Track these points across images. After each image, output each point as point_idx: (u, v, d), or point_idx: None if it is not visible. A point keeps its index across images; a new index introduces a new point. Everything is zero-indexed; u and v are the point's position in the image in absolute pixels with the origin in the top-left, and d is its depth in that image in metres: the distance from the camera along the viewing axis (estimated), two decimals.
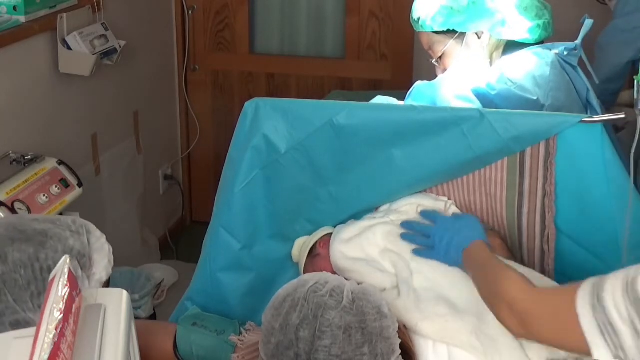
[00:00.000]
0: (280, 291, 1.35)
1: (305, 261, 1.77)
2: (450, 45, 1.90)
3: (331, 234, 1.74)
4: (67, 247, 1.24)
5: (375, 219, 1.72)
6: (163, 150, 3.70)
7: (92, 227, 1.34)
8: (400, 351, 1.31)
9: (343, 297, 1.30)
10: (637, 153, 1.45)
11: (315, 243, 1.77)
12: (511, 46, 1.89)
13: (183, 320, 1.63)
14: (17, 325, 1.18)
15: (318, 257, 1.75)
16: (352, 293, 1.31)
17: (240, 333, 1.58)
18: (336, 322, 1.26)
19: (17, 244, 1.22)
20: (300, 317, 1.28)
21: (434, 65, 2.00)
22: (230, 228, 1.75)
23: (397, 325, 1.32)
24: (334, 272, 1.59)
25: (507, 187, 1.66)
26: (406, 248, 1.61)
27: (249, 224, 1.75)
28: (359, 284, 1.37)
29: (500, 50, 1.90)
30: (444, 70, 1.95)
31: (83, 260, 1.26)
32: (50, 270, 1.21)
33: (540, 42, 1.89)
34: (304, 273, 1.77)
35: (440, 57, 1.94)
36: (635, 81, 1.52)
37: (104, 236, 1.33)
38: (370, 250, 1.64)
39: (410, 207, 1.74)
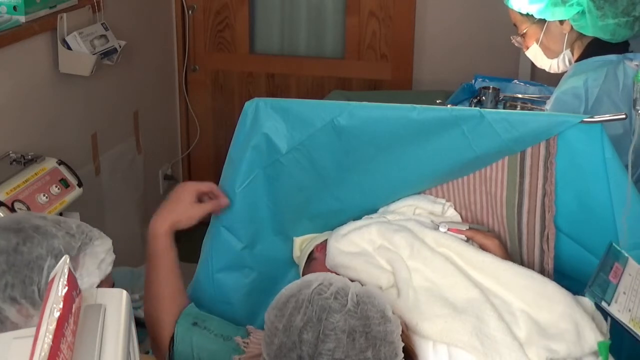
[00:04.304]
0: (283, 291, 1.35)
1: (304, 265, 1.77)
2: (531, 28, 1.93)
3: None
4: (50, 246, 1.25)
5: (372, 219, 1.72)
6: (163, 150, 3.70)
7: (96, 234, 1.33)
8: (403, 355, 1.30)
9: (347, 300, 1.29)
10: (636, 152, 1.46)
11: (314, 247, 1.77)
12: (595, 44, 1.89)
13: (183, 317, 1.62)
14: None
15: (314, 261, 1.75)
16: (356, 296, 1.30)
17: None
18: (340, 326, 1.26)
19: (6, 233, 1.24)
20: (304, 320, 1.27)
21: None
22: (232, 228, 1.75)
23: (400, 329, 1.31)
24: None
25: (507, 187, 1.66)
26: (403, 246, 1.61)
27: (251, 223, 1.75)
28: (362, 285, 1.37)
29: (584, 43, 1.91)
30: (526, 48, 2.00)
31: None
32: (29, 264, 1.22)
33: (624, 42, 1.89)
34: (302, 275, 1.77)
35: (523, 36, 1.98)
36: (635, 82, 1.51)
37: (107, 245, 1.33)
38: (365, 245, 1.64)
39: (407, 208, 1.75)
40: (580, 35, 1.90)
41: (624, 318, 1.37)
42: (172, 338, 1.58)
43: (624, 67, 1.83)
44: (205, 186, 1.68)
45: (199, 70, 3.76)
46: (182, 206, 1.63)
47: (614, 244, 1.48)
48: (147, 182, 3.47)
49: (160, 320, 1.62)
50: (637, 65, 1.83)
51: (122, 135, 3.25)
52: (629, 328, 1.38)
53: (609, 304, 1.37)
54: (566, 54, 1.94)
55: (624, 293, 1.40)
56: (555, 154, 1.57)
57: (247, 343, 1.53)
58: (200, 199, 1.67)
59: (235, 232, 1.75)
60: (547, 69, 2.02)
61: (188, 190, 1.65)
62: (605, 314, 1.47)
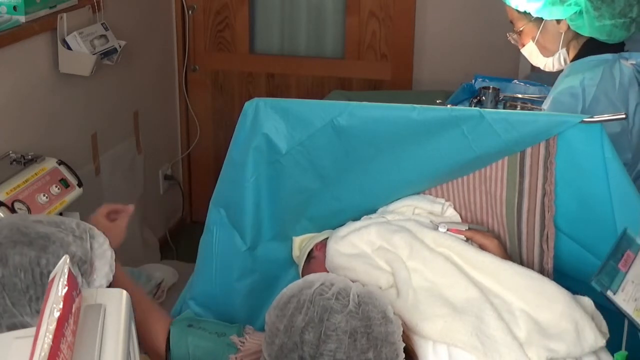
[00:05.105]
0: (284, 291, 1.34)
1: (303, 264, 1.77)
2: (528, 26, 1.94)
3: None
4: (69, 253, 1.23)
5: (371, 219, 1.72)
6: (163, 150, 3.70)
7: (96, 231, 1.33)
8: (404, 355, 1.30)
9: (349, 301, 1.29)
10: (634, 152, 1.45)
11: (313, 246, 1.77)
12: (591, 44, 1.89)
13: (177, 321, 1.62)
14: (13, 328, 1.18)
15: (314, 259, 1.75)
16: (357, 296, 1.30)
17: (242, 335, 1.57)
18: (342, 327, 1.26)
19: (19, 247, 1.22)
20: (306, 320, 1.27)
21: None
22: (240, 229, 1.74)
23: (401, 329, 1.31)
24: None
25: (507, 186, 1.66)
26: (402, 246, 1.61)
27: (254, 225, 1.75)
28: (363, 286, 1.37)
29: (579, 42, 1.91)
30: (522, 45, 2.01)
31: (84, 267, 1.25)
32: (50, 275, 1.21)
33: (620, 43, 1.89)
34: (301, 274, 1.77)
35: (519, 33, 1.98)
36: None
37: (107, 241, 1.33)
38: (364, 246, 1.64)
39: (406, 208, 1.75)
40: (577, 35, 1.90)
41: (628, 308, 1.36)
42: (168, 345, 1.57)
43: (620, 66, 1.83)
44: (105, 208, 1.77)
45: (199, 70, 3.76)
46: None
47: (628, 230, 1.44)
48: (147, 182, 3.47)
49: (151, 329, 1.60)
50: (632, 64, 1.83)
51: (122, 135, 3.25)
52: (632, 318, 1.36)
53: (614, 293, 1.36)
54: (562, 53, 1.94)
55: (632, 282, 1.38)
56: (555, 153, 1.57)
57: (243, 342, 1.53)
58: (111, 219, 1.76)
59: (240, 233, 1.75)
60: (542, 67, 2.02)
61: (97, 220, 1.73)
62: (604, 314, 1.47)
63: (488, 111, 1.59)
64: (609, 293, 1.35)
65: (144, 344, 1.64)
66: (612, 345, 1.46)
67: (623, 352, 1.40)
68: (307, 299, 1.29)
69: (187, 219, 3.94)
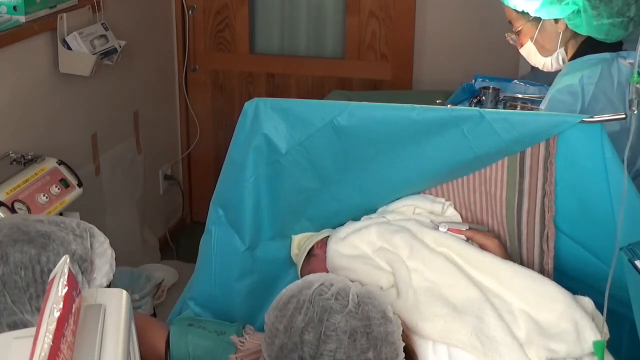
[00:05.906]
0: (284, 291, 1.34)
1: (303, 262, 1.77)
2: (526, 26, 1.94)
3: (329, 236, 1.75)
4: (69, 251, 1.24)
5: (371, 219, 1.72)
6: (163, 150, 3.70)
7: (96, 231, 1.33)
8: (404, 355, 1.31)
9: (348, 301, 1.29)
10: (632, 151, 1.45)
11: (314, 244, 1.77)
12: (589, 43, 1.89)
13: (178, 321, 1.62)
14: (14, 326, 1.18)
15: (314, 257, 1.75)
16: (357, 296, 1.30)
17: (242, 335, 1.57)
18: (341, 327, 1.26)
19: (19, 245, 1.22)
20: (306, 320, 1.27)
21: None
22: (239, 229, 1.74)
23: (401, 329, 1.31)
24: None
25: (507, 187, 1.66)
26: (402, 246, 1.61)
27: (253, 225, 1.75)
28: (362, 286, 1.37)
29: (577, 41, 1.91)
30: (520, 45, 2.01)
31: (84, 265, 1.25)
32: (50, 273, 1.21)
33: (618, 42, 1.89)
34: (301, 273, 1.77)
35: (517, 33, 1.99)
36: (630, 83, 1.51)
37: (108, 240, 1.33)
38: (365, 247, 1.65)
39: (407, 208, 1.75)
40: (575, 34, 1.90)
41: None
42: (167, 345, 1.57)
43: (618, 65, 1.83)
44: None
45: (199, 70, 3.76)
46: None
47: None
48: (147, 182, 3.47)
49: (150, 335, 1.59)
50: (630, 63, 1.83)
51: (122, 135, 3.25)
52: None
53: None
54: (560, 52, 1.95)
55: None
56: (555, 153, 1.57)
57: (243, 342, 1.53)
58: None
59: (239, 233, 1.75)
60: (540, 67, 2.02)
61: None
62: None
63: (488, 111, 1.59)
64: (638, 262, 1.34)
65: (143, 355, 1.63)
66: (612, 345, 1.46)
67: (601, 341, 1.40)
68: (307, 299, 1.29)
69: (187, 219, 3.95)
